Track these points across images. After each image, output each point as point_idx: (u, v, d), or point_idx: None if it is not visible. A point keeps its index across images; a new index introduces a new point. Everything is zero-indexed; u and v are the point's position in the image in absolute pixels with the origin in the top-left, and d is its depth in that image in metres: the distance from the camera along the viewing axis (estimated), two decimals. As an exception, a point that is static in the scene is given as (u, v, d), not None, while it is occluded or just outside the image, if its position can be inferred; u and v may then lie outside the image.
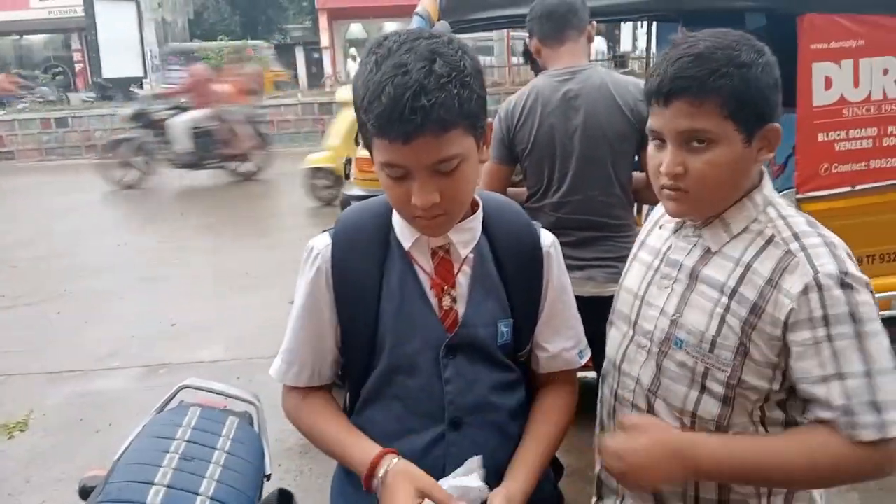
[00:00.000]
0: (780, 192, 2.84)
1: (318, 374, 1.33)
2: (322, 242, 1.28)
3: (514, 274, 1.29)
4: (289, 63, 25.11)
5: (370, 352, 1.27)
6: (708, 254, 1.24)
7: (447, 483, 1.15)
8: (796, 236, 1.18)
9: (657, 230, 1.39)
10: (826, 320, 1.11)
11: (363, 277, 1.25)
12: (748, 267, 1.18)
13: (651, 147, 1.25)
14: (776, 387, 1.18)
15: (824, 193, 2.87)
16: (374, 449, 1.20)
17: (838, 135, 2.85)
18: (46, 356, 4.71)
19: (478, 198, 1.30)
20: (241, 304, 5.41)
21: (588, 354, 1.41)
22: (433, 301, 1.25)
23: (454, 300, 1.25)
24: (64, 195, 10.38)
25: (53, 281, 6.30)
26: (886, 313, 2.89)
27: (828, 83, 2.81)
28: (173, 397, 1.69)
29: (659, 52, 4.61)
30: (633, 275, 1.38)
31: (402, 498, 1.11)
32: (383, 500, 1.14)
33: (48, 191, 10.88)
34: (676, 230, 1.32)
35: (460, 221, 1.24)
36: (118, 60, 16.38)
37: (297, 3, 27.56)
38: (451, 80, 1.05)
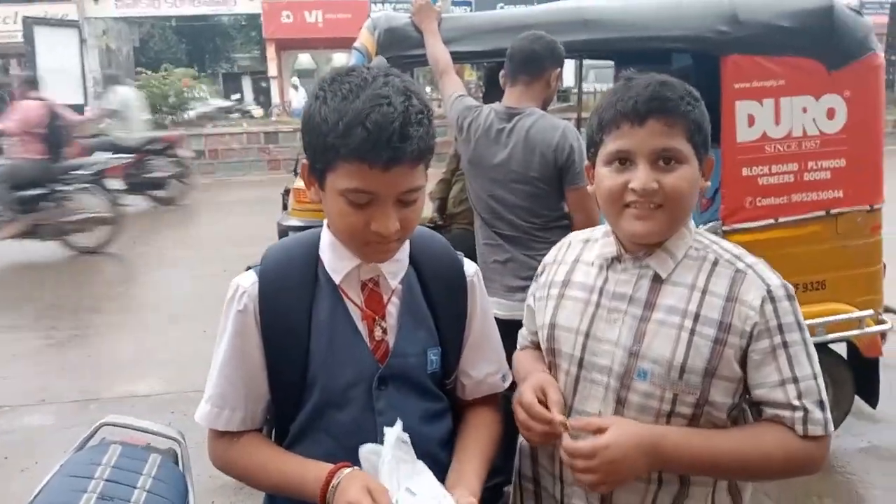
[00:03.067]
0: (705, 223, 2.97)
1: (252, 418, 1.30)
2: (248, 280, 1.27)
3: (441, 303, 1.32)
4: (235, 92, 24.97)
5: (300, 389, 1.25)
6: (657, 282, 1.27)
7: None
8: (737, 257, 1.27)
9: (582, 267, 1.39)
10: (780, 329, 1.21)
11: (292, 314, 1.24)
12: (705, 290, 1.24)
13: (606, 171, 1.26)
14: (737, 399, 1.25)
15: (749, 226, 2.98)
16: (328, 466, 1.18)
17: (761, 170, 2.97)
18: (-30, 393, 4.53)
19: None
20: (177, 336, 5.29)
21: (510, 378, 1.44)
22: (364, 333, 1.25)
23: (385, 331, 1.26)
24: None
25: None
26: (814, 339, 2.99)
27: (751, 120, 2.93)
28: (93, 435, 1.64)
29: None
30: (568, 312, 1.36)
31: (353, 491, 1.10)
32: (337, 498, 1.12)
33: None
34: (609, 265, 1.33)
35: None
36: (58, 87, 15.98)
37: (245, 32, 27.50)
38: (425, 116, 1.12)
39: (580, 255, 1.42)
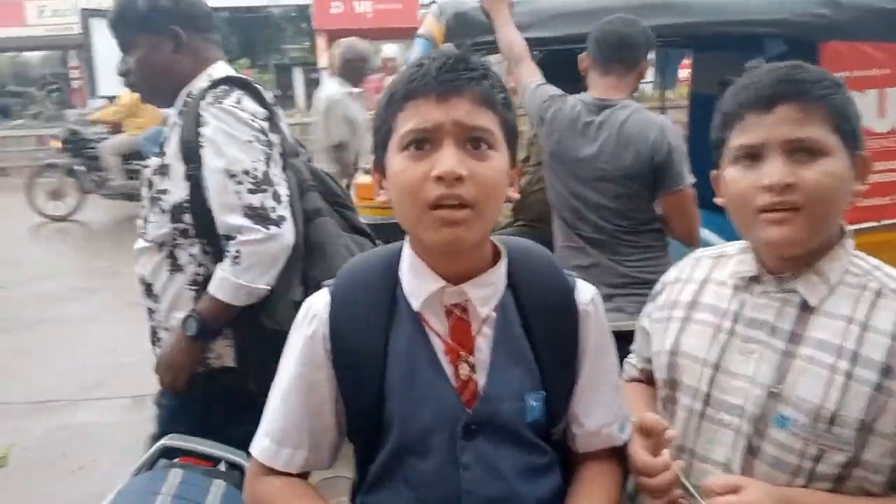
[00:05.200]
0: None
1: (315, 460, 1.14)
2: (321, 301, 1.11)
3: (544, 336, 1.10)
4: (286, 83, 25.09)
5: (377, 428, 1.08)
6: (805, 311, 1.08)
7: None
8: None
9: (713, 287, 1.20)
10: None
11: (366, 341, 1.07)
12: (865, 325, 1.05)
13: (734, 170, 1.09)
14: None
15: (848, 228, 2.74)
16: None
17: (862, 167, 2.73)
18: (28, 385, 4.51)
19: (501, 245, 1.13)
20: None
21: (629, 428, 1.19)
22: (447, 369, 1.06)
23: (472, 368, 1.07)
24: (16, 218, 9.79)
25: (29, 307, 6.05)
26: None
27: (851, 113, 2.69)
28: (153, 457, 1.53)
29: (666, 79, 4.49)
30: (694, 339, 1.18)
31: None
32: None
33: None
34: (746, 287, 1.15)
35: (480, 275, 1.07)
36: (114, 78, 16.25)
37: (295, 23, 27.59)
38: (492, 74, 1.04)
39: (710, 273, 1.23)
